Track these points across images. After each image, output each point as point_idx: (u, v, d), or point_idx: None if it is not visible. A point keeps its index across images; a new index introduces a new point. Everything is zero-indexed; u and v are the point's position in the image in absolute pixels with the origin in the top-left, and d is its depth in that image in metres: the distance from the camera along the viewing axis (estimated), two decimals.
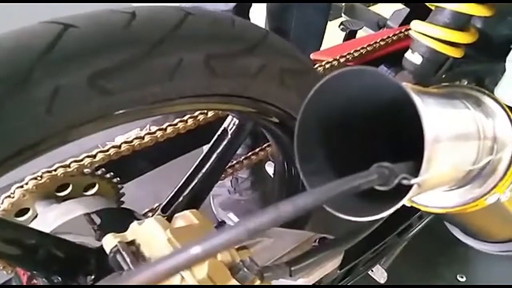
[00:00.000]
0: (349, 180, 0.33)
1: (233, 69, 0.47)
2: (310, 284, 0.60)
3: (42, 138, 0.39)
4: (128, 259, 0.50)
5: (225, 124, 0.62)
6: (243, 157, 0.97)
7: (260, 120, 0.59)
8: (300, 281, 0.60)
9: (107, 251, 0.52)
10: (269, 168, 1.11)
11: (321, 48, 1.38)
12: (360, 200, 0.40)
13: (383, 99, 0.45)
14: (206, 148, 0.69)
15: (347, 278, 0.74)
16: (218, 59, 0.45)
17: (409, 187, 0.40)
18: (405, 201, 0.40)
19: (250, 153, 0.98)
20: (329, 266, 0.62)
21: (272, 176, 1.03)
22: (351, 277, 0.75)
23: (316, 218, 0.75)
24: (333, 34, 1.47)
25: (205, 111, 0.76)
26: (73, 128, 0.41)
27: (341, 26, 1.29)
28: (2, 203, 0.59)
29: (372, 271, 0.86)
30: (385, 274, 0.90)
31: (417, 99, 0.40)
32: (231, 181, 1.28)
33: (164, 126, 0.75)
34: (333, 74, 0.43)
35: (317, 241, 0.64)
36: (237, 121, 0.61)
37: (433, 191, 0.55)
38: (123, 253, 0.51)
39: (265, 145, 0.99)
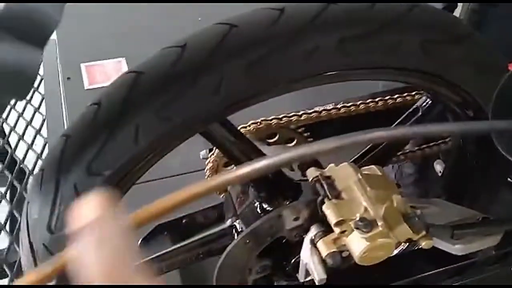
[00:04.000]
0: None
1: (441, 53, 0.60)
2: (465, 252, 0.69)
3: (299, 77, 0.57)
4: (325, 187, 0.66)
5: (418, 103, 0.74)
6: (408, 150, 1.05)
7: (455, 108, 0.69)
8: (458, 247, 0.69)
9: (309, 179, 0.68)
10: (438, 167, 1.17)
11: None
12: None
13: None
14: None
15: (498, 264, 0.79)
16: (432, 43, 0.58)
17: None
18: None
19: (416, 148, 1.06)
20: (487, 242, 0.69)
21: (440, 174, 1.10)
22: (504, 263, 0.80)
23: (484, 202, 0.82)
24: None
25: (395, 96, 0.89)
26: (312, 76, 0.58)
27: None
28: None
29: None
30: None
31: None
32: (395, 173, 1.37)
33: (357, 103, 0.90)
34: None
35: (479, 219, 0.72)
36: (430, 102, 0.73)
37: None
38: (322, 182, 0.66)
39: (433, 143, 1.05)
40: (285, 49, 0.56)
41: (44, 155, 1.22)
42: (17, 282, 0.28)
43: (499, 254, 0.77)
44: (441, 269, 0.72)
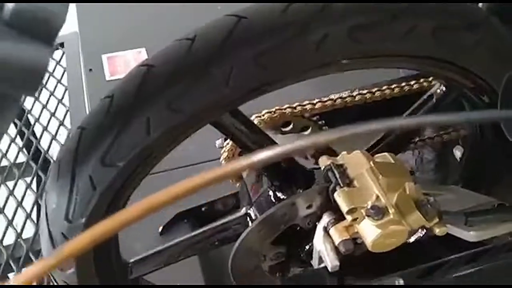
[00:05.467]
0: None
1: (454, 40, 0.59)
2: (480, 239, 0.69)
3: (309, 68, 0.57)
4: (337, 175, 0.66)
5: (432, 90, 0.74)
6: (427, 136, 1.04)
7: (470, 95, 0.69)
8: (472, 234, 0.68)
9: (321, 167, 0.69)
10: (457, 152, 1.15)
11: None
12: None
13: None
14: None
15: None
16: (443, 30, 0.58)
17: None
18: None
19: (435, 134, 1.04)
20: (502, 228, 0.69)
21: (458, 160, 1.09)
22: None
23: (499, 188, 0.81)
24: None
25: (412, 82, 0.88)
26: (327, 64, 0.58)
27: None
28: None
29: None
30: None
31: None
32: (415, 160, 1.36)
33: (373, 90, 0.89)
34: None
35: (495, 206, 0.71)
36: (444, 89, 0.72)
37: None
38: (334, 170, 0.67)
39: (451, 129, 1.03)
40: (294, 39, 0.56)
41: None
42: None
43: None
44: (455, 255, 0.72)
